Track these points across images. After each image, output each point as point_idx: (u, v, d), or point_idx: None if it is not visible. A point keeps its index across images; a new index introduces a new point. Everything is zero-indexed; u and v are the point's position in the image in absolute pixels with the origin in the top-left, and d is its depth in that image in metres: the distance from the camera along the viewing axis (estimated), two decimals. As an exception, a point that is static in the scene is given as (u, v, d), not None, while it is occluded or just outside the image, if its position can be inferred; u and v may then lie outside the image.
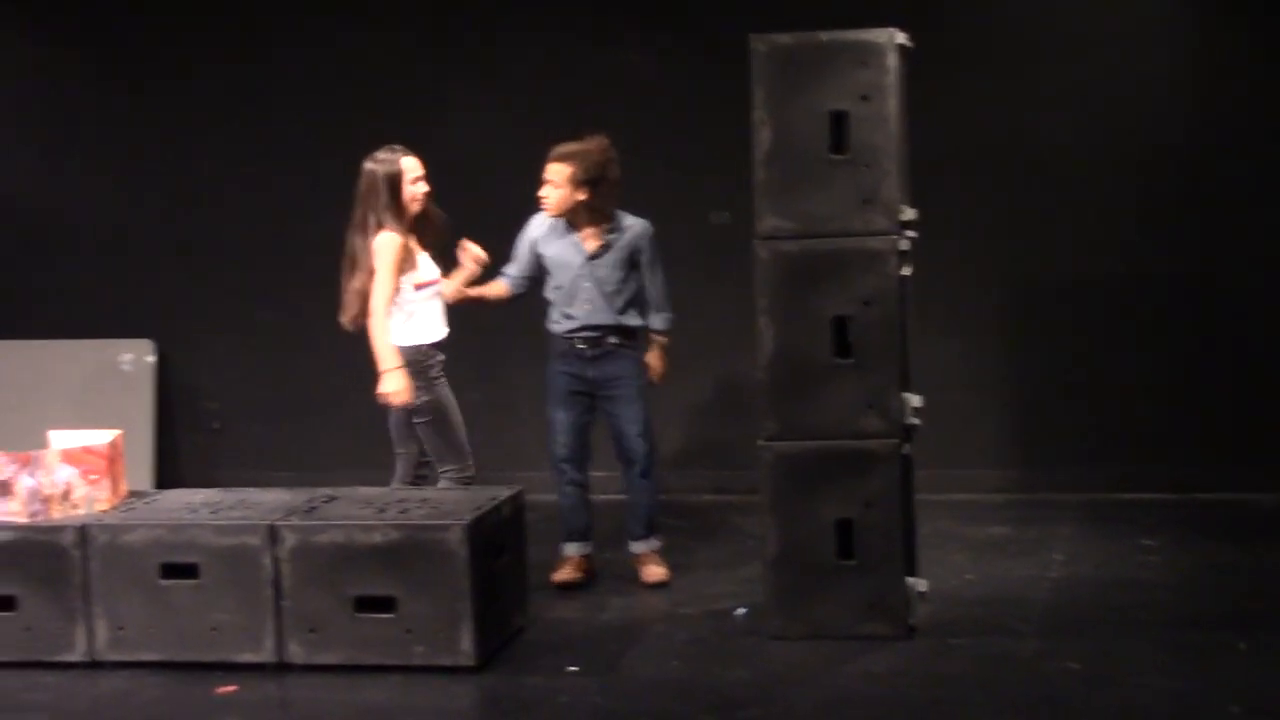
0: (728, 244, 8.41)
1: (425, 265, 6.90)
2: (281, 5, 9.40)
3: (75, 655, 6.21)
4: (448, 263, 7.06)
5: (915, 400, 6.25)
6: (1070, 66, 8.53)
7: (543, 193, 7.00)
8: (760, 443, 6.18)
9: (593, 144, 6.96)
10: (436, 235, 6.96)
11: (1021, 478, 8.63)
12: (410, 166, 6.82)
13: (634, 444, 7.08)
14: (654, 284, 7.11)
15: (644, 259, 7.06)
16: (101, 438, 6.53)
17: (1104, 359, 8.59)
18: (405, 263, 6.74)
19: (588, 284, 7.02)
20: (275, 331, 8.90)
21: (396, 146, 6.86)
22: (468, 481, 6.88)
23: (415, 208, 6.83)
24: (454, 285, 7.04)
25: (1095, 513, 8.16)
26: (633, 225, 7.07)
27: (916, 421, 6.28)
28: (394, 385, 6.70)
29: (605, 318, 7.02)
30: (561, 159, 6.95)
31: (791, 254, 6.12)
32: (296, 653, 6.06)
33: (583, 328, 7.04)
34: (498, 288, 7.20)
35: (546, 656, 6.17)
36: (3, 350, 9.82)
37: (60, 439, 6.58)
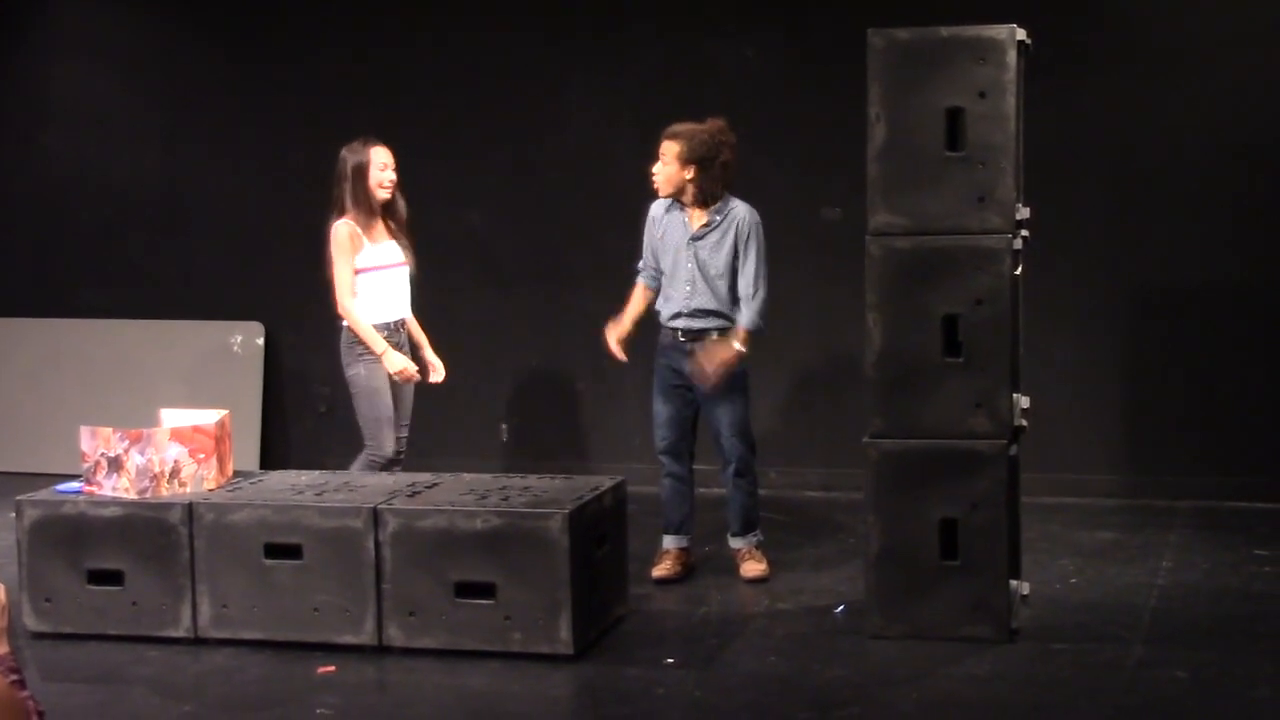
0: (839, 240, 8.36)
1: (380, 250, 7.26)
2: (400, -6, 9.49)
3: (180, 631, 6.29)
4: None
5: (1024, 401, 6.18)
6: (1192, 67, 8.39)
7: (654, 170, 7.01)
8: (866, 440, 6.13)
9: (706, 125, 6.94)
10: (400, 224, 7.36)
11: (1131, 483, 8.51)
12: (378, 156, 7.23)
13: (727, 443, 7.04)
14: (745, 273, 6.93)
15: (741, 245, 6.94)
16: (210, 417, 6.60)
17: (1218, 364, 8.44)
18: (355, 247, 7.16)
19: (689, 265, 6.98)
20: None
21: (371, 138, 7.28)
22: (376, 464, 7.16)
23: (382, 195, 7.25)
24: (624, 328, 7.19)
25: (1206, 520, 8.02)
26: (737, 208, 6.97)
27: (1025, 423, 6.20)
28: (395, 364, 7.14)
29: (705, 302, 6.94)
30: (671, 137, 6.95)
31: (903, 251, 6.06)
32: (396, 636, 6.09)
33: (680, 314, 6.99)
34: (639, 296, 7.23)
35: (645, 648, 6.16)
36: (119, 329, 9.98)
37: (171, 418, 6.67)
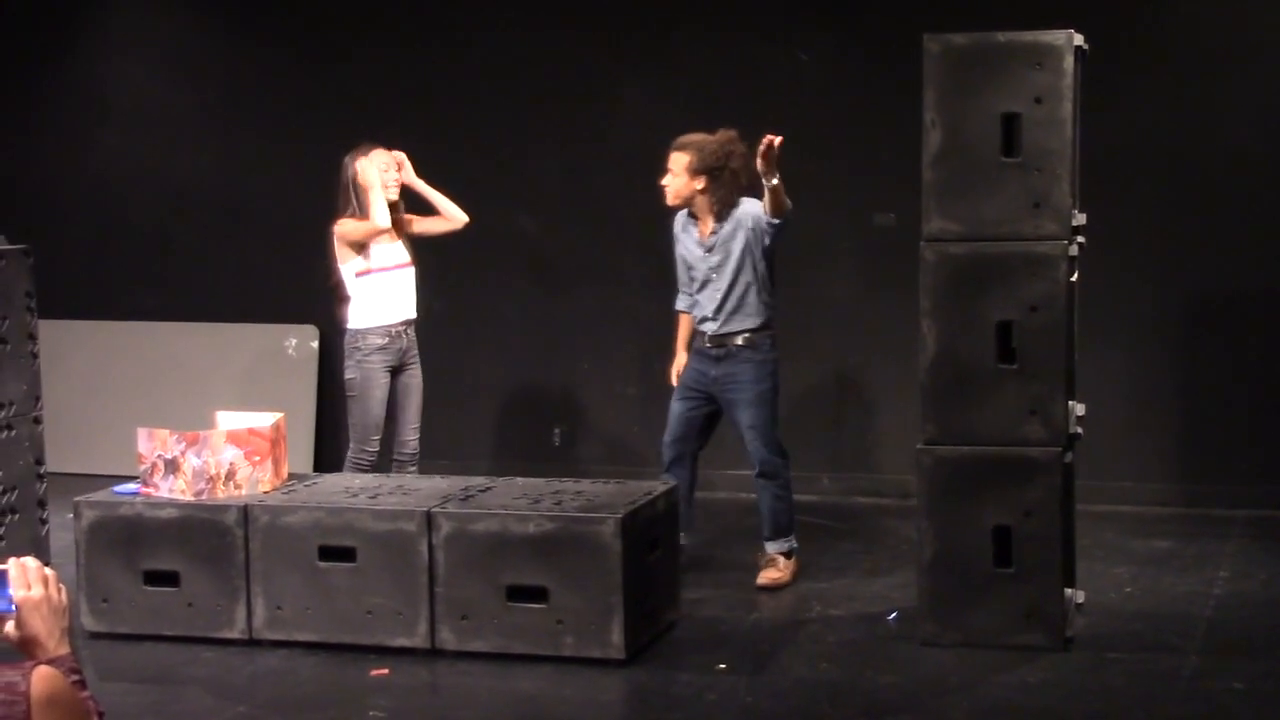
0: (893, 245, 8.33)
1: (384, 252, 7.39)
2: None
3: (234, 632, 6.32)
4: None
5: (1079, 409, 6.14)
6: (1249, 71, 8.32)
7: (664, 181, 7.03)
8: (919, 447, 6.11)
9: (715, 135, 6.96)
10: (401, 224, 7.49)
11: (1186, 491, 8.44)
12: (380, 159, 7.37)
13: (751, 447, 7.06)
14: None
15: (757, 235, 6.91)
16: (265, 420, 6.63)
17: (1276, 371, 8.36)
18: (357, 249, 7.30)
19: (705, 276, 7.02)
20: (437, 321, 8.98)
21: (372, 142, 7.43)
22: (359, 466, 7.32)
23: (389, 196, 7.37)
24: (680, 360, 7.29)
25: (1264, 530, 7.94)
26: (741, 207, 6.95)
27: (1079, 430, 6.17)
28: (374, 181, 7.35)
29: (728, 310, 6.97)
30: (680, 148, 6.98)
31: (958, 257, 6.04)
32: (448, 639, 6.11)
33: (706, 319, 7.04)
34: (684, 325, 7.29)
35: (696, 653, 6.16)
36: (176, 332, 10.05)
37: (227, 420, 6.71)
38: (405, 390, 7.46)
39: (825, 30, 8.91)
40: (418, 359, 7.51)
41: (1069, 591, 6.13)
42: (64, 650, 2.87)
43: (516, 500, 6.27)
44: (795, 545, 7.16)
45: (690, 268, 7.09)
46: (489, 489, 6.55)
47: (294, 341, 9.80)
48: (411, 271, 7.48)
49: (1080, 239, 6.13)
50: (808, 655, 6.12)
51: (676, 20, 9.14)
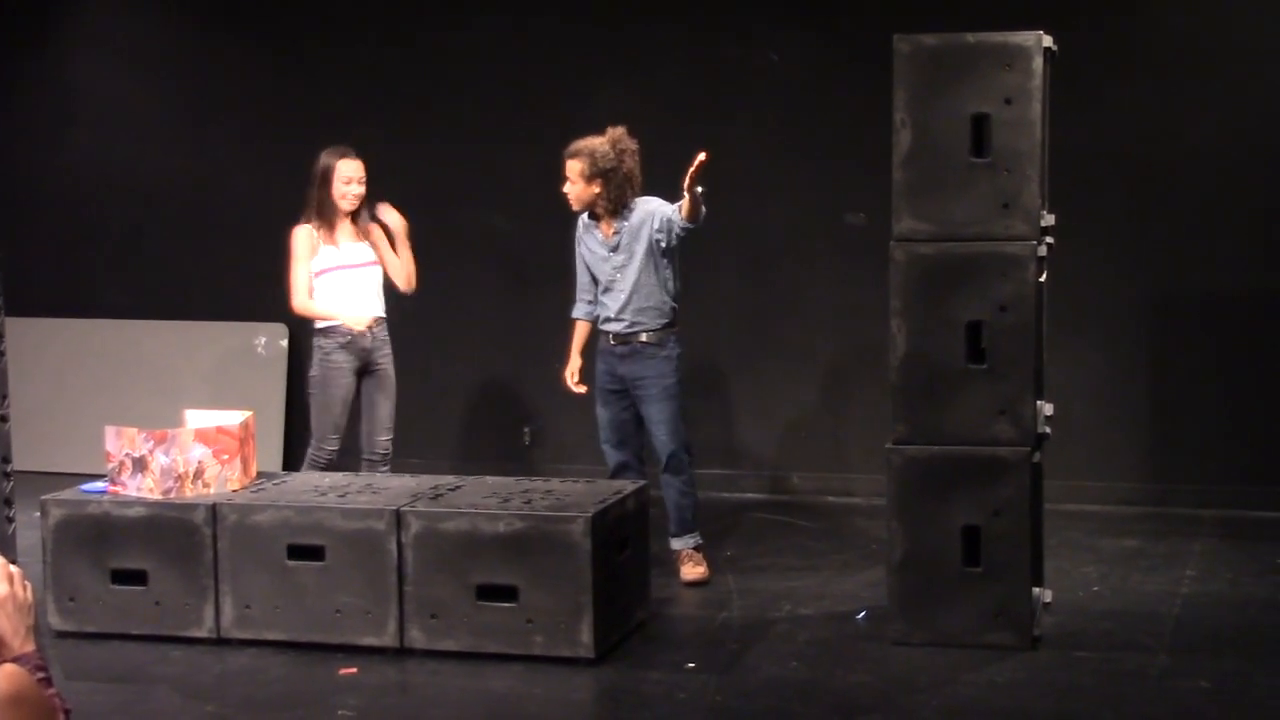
0: (864, 245, 8.35)
1: (345, 251, 7.39)
2: (425, -3, 9.50)
3: (203, 631, 6.30)
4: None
5: (1048, 409, 6.16)
6: (1215, 73, 8.36)
7: (565, 190, 7.09)
8: (889, 446, 6.12)
9: (604, 136, 7.02)
10: (366, 231, 7.45)
11: (1154, 491, 8.47)
12: (344, 168, 7.34)
13: (657, 442, 7.13)
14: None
15: (658, 233, 6.99)
16: (234, 418, 6.61)
17: (1244, 372, 8.40)
18: (312, 250, 7.32)
19: (610, 278, 7.10)
20: (407, 320, 8.94)
21: (345, 147, 7.40)
22: (315, 464, 7.35)
23: (344, 206, 7.35)
24: (574, 363, 7.34)
25: (1231, 529, 7.98)
26: (641, 206, 7.05)
27: (1048, 430, 6.19)
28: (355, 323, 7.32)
29: (634, 308, 7.05)
30: (573, 155, 7.04)
31: (928, 257, 6.05)
32: (417, 638, 6.10)
33: (610, 319, 7.12)
34: (579, 331, 7.36)
35: (666, 652, 6.16)
36: (143, 330, 10.01)
37: (195, 418, 6.68)
38: (375, 390, 7.43)
39: (797, 30, 8.92)
40: (389, 358, 7.48)
41: (1037, 591, 6.15)
42: (29, 648, 2.85)
43: (486, 499, 6.26)
44: (701, 540, 7.20)
45: (594, 269, 7.16)
46: (458, 488, 6.54)
47: (263, 340, 9.78)
48: (377, 270, 7.46)
49: (1049, 239, 6.15)
50: (778, 654, 6.12)
51: (650, 21, 9.14)
